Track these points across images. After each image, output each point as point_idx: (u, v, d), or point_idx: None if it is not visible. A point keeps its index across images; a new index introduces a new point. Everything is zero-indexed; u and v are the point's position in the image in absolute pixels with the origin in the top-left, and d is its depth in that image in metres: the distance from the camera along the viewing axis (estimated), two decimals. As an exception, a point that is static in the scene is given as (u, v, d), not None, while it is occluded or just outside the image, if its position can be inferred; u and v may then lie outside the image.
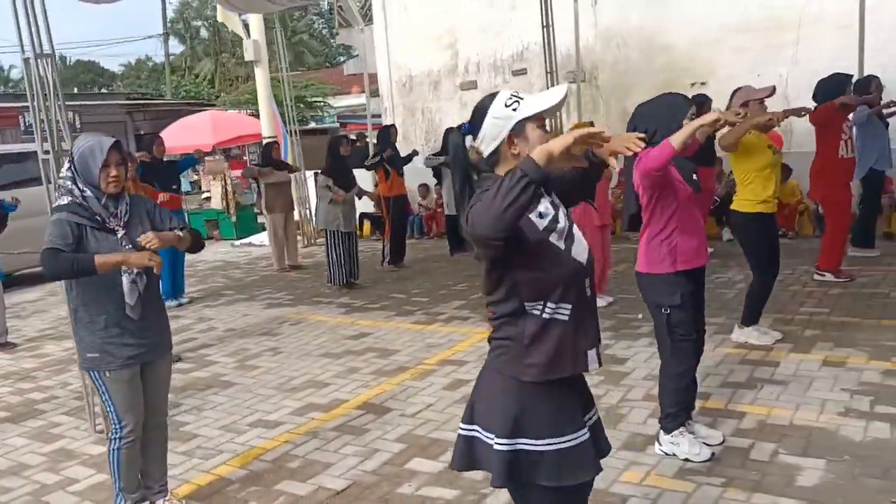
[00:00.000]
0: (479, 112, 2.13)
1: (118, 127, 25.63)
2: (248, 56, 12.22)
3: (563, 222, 2.14)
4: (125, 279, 3.12)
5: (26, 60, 4.42)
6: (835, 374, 4.51)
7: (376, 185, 9.49)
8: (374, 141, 10.11)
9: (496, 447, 2.08)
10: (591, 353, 2.14)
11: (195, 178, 17.16)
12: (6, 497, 3.80)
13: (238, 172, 12.45)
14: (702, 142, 4.00)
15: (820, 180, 6.73)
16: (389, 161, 8.73)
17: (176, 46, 43.83)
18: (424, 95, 13.54)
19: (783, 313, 5.81)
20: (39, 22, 4.42)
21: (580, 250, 2.13)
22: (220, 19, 11.96)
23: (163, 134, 14.83)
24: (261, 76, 12.39)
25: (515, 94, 2.10)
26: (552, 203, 2.16)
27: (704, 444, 3.68)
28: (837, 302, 6.05)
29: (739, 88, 5.18)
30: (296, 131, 12.27)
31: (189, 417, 4.69)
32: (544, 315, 2.06)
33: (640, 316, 6.12)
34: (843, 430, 3.78)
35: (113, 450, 3.27)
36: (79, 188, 3.11)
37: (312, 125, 28.12)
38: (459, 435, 2.20)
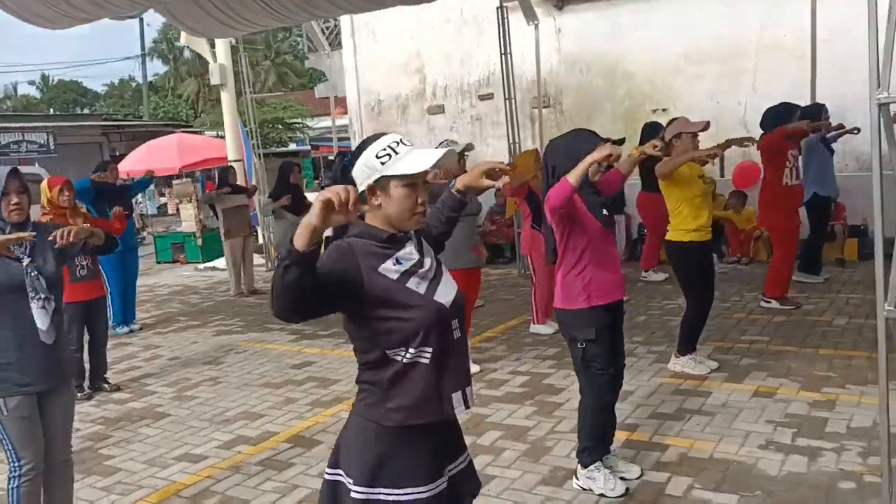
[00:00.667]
0: (358, 150, 2.11)
1: (94, 148, 25.62)
2: (214, 80, 12.23)
3: (427, 266, 2.13)
4: (34, 305, 3.09)
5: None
6: (763, 405, 4.51)
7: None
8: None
9: (353, 494, 2.05)
10: (457, 396, 2.12)
11: (162, 200, 17.07)
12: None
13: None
14: (625, 175, 4.02)
15: (767, 208, 6.79)
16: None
17: (160, 67, 43.90)
18: (393, 119, 13.58)
19: (724, 341, 5.82)
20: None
21: (446, 292, 2.13)
22: (184, 42, 11.94)
23: (130, 156, 14.89)
24: (226, 99, 12.39)
25: (393, 145, 2.05)
26: (419, 248, 2.16)
27: (622, 478, 3.67)
28: (779, 330, 6.08)
29: (674, 119, 5.23)
30: (260, 154, 12.28)
31: (116, 451, 4.63)
32: (405, 360, 2.04)
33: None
34: (760, 463, 3.78)
35: (11, 489, 3.21)
36: None
37: (293, 146, 28.20)
38: (324, 479, 2.17)
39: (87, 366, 5.85)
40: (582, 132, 3.64)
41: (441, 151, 2.11)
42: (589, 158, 3.22)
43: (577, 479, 3.68)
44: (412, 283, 2.06)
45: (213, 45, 12.09)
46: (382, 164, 2.03)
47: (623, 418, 4.47)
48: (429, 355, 2.05)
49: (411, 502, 2.05)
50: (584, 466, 3.65)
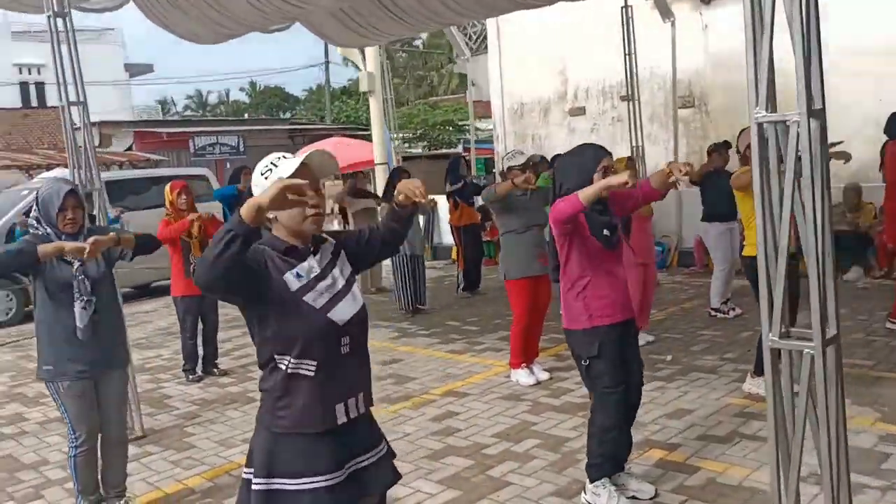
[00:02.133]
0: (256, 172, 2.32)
1: (280, 150, 27.64)
2: (362, 87, 12.92)
3: (331, 281, 2.27)
4: (77, 305, 3.58)
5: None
6: (827, 435, 4.17)
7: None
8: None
9: (254, 486, 2.24)
10: (340, 408, 2.25)
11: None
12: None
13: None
14: (657, 189, 3.85)
15: (894, 222, 6.18)
16: (459, 193, 8.97)
17: (355, 73, 46.31)
18: (534, 122, 13.66)
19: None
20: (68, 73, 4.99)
21: (346, 309, 2.25)
22: (339, 52, 12.73)
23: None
24: (374, 106, 13.06)
25: (274, 160, 2.25)
26: (328, 262, 2.31)
27: (633, 497, 3.60)
28: (892, 355, 5.52)
29: (746, 129, 4.93)
30: (401, 158, 12.84)
31: (198, 429, 5.15)
32: (288, 370, 2.20)
33: (668, 358, 5.94)
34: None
35: (70, 457, 3.74)
36: (42, 228, 3.61)
37: (460, 148, 28.99)
38: (242, 478, 2.35)
39: (200, 352, 6.50)
40: (588, 148, 3.58)
41: (299, 158, 2.23)
42: (604, 183, 3.20)
43: (585, 493, 3.64)
44: (309, 297, 2.21)
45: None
46: (265, 178, 2.21)
47: (668, 436, 4.35)
48: (312, 368, 2.19)
49: (308, 492, 2.19)
50: (591, 481, 3.61)
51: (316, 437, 2.22)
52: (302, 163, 2.25)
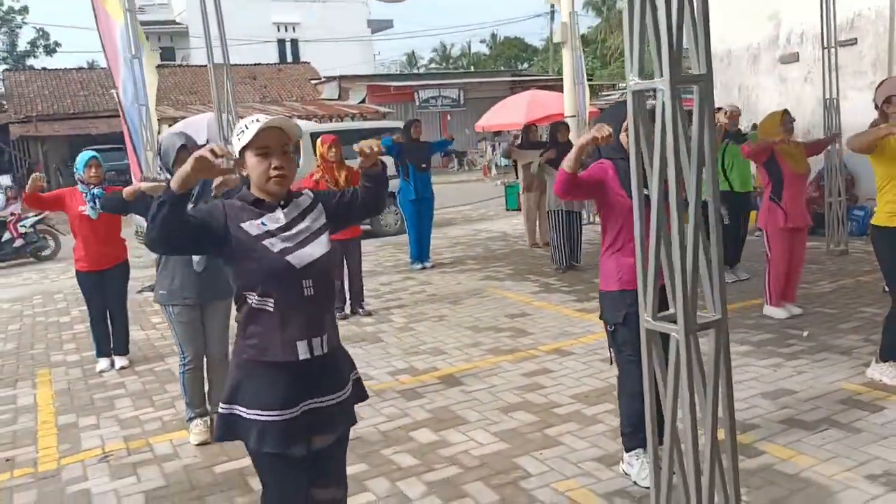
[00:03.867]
0: None
1: (499, 101, 28.21)
2: (556, 38, 12.76)
3: (295, 231, 2.48)
4: None
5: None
6: (934, 435, 3.69)
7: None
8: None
9: (219, 409, 2.56)
10: (302, 344, 2.46)
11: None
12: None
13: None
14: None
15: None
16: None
17: (594, 20, 45.28)
18: (742, 70, 12.65)
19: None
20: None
21: (306, 254, 2.45)
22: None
23: (488, 112, 16.30)
24: (567, 57, 12.86)
25: (248, 123, 2.43)
26: (297, 216, 2.52)
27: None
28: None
29: (886, 80, 4.32)
30: (598, 109, 12.54)
31: (319, 362, 5.68)
32: (253, 304, 2.46)
33: (804, 334, 5.46)
34: (846, 493, 3.22)
35: (180, 373, 4.37)
36: (165, 174, 4.19)
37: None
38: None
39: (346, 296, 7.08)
40: (620, 108, 3.40)
41: (266, 118, 2.41)
42: (579, 142, 3.08)
43: (623, 462, 3.58)
44: (268, 242, 2.43)
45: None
46: (238, 139, 2.45)
47: (750, 417, 4.09)
48: (272, 305, 2.43)
49: (259, 422, 2.44)
50: (627, 451, 3.54)
51: (277, 368, 2.43)
52: (273, 126, 2.46)
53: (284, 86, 32.11)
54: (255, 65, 33.01)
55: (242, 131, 2.46)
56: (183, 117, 18.52)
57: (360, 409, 4.59)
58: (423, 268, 9.09)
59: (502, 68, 45.73)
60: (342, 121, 23.70)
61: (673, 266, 1.95)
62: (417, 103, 25.82)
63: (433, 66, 62.47)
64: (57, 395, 5.32)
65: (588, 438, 3.98)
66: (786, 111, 5.89)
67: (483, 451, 3.91)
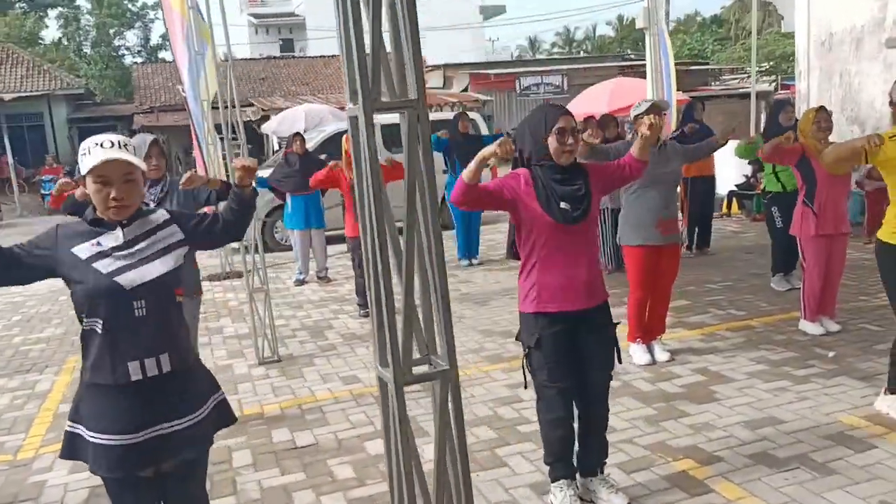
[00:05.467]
0: None
1: (606, 88, 27.34)
2: (639, 23, 12.19)
3: (134, 250, 2.42)
4: None
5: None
6: (917, 484, 3.23)
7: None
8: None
9: (66, 427, 2.55)
10: (133, 365, 2.40)
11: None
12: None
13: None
14: (639, 159, 3.24)
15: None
16: (679, 139, 8.14)
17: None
18: (844, 56, 11.63)
19: None
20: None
21: (136, 276, 2.39)
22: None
23: (572, 102, 15.77)
24: (648, 43, 12.26)
25: (90, 145, 2.37)
26: (140, 235, 2.46)
27: (594, 504, 3.24)
28: None
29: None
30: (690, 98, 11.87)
31: (320, 360, 5.71)
32: (84, 325, 2.45)
33: (830, 354, 4.96)
34: (777, 548, 2.87)
35: None
36: None
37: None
38: None
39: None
40: (542, 110, 3.13)
41: (105, 154, 2.35)
42: (479, 155, 2.87)
43: (550, 492, 3.36)
44: (99, 263, 2.39)
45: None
46: (80, 160, 2.43)
47: (718, 448, 3.74)
48: (100, 326, 2.40)
49: (100, 446, 2.41)
50: (552, 481, 3.32)
51: (115, 391, 2.40)
52: (114, 159, 2.40)
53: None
54: (367, 55, 33.60)
55: (84, 153, 2.41)
56: (288, 107, 19.16)
57: (329, 413, 4.66)
58: (471, 264, 8.95)
59: (628, 52, 44.27)
60: (441, 110, 23.75)
61: (381, 307, 1.76)
62: (518, 91, 25.46)
63: (556, 51, 61.41)
64: (71, 384, 5.62)
65: (536, 461, 3.76)
66: (822, 108, 5.33)
67: (425, 469, 3.77)
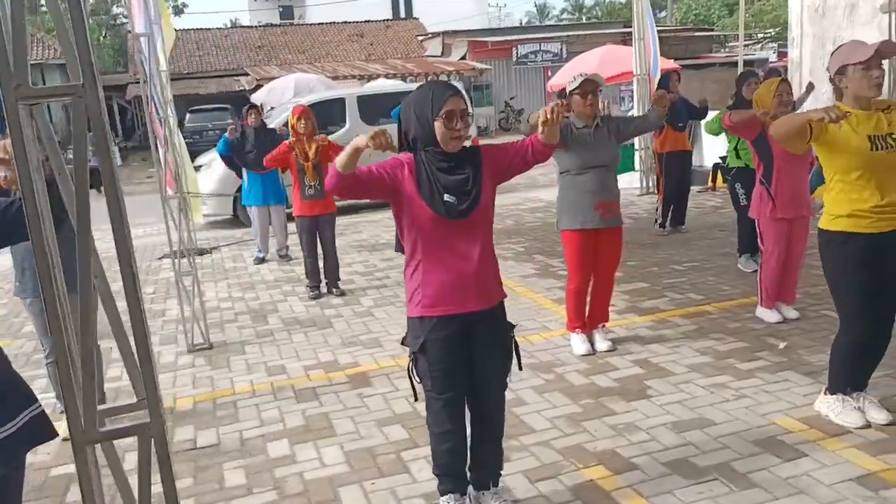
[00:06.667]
0: None
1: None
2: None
3: None
4: None
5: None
6: (843, 496, 2.93)
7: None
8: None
9: None
10: None
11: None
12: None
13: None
14: (545, 143, 2.90)
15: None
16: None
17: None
18: (837, 22, 11.12)
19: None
20: None
21: None
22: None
23: (560, 70, 15.24)
24: (636, 9, 11.82)
25: None
26: None
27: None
28: None
29: (839, 47, 3.43)
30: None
31: (252, 348, 5.45)
32: None
33: (780, 346, 4.64)
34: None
35: (45, 365, 4.23)
36: None
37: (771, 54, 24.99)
38: None
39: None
40: (429, 89, 2.76)
41: None
42: (351, 145, 2.55)
43: (442, 505, 3.09)
44: None
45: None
46: None
47: (636, 454, 3.45)
48: None
49: None
50: (440, 495, 3.04)
51: None
52: None
53: (391, 43, 31.99)
54: (365, 21, 33.02)
55: None
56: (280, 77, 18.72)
57: (242, 409, 4.39)
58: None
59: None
60: (437, 77, 23.24)
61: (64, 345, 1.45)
62: (515, 59, 24.85)
63: (565, 16, 60.29)
64: None
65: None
66: (783, 79, 4.94)
67: (318, 475, 3.52)
